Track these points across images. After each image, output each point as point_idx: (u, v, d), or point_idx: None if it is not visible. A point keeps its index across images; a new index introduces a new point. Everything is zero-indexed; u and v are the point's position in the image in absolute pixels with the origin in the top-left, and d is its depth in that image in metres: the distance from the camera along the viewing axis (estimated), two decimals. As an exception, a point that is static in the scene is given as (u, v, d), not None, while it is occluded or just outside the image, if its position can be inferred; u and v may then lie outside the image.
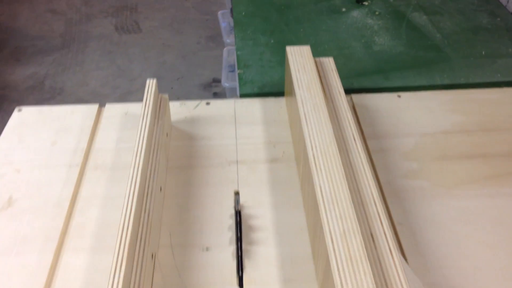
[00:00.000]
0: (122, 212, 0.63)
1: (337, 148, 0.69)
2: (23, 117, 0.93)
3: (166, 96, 0.87)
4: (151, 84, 0.84)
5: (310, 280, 0.66)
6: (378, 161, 0.84)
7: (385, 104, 0.95)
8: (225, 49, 2.08)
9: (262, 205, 0.77)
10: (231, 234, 0.72)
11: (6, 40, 3.02)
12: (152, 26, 3.10)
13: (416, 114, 0.93)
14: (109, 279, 0.56)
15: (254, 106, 0.95)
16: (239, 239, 0.71)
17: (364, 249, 0.57)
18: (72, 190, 0.79)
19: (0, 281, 0.67)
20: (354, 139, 0.74)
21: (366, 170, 0.69)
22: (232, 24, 2.05)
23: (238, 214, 0.74)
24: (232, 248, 0.71)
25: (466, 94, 0.97)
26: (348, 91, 0.97)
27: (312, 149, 0.69)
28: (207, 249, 0.71)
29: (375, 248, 0.60)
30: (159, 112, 0.83)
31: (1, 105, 2.51)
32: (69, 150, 0.86)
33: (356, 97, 0.97)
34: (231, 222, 0.74)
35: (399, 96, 0.97)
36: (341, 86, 0.83)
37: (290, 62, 0.86)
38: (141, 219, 0.65)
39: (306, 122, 0.74)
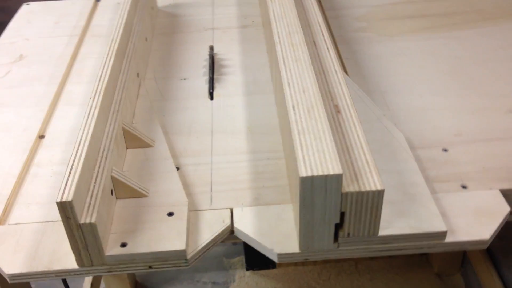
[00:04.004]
0: (109, 38, 0.77)
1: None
2: (31, 8, 1.09)
3: (151, -22, 1.02)
4: (138, -34, 0.99)
5: (268, 93, 0.80)
6: (333, 23, 0.98)
7: (343, -11, 1.09)
8: None
9: (233, 53, 0.91)
10: (205, 70, 0.87)
11: None
12: None
13: (370, -6, 1.07)
14: (96, 78, 0.68)
15: (230, -5, 1.10)
16: (211, 68, 0.85)
17: (305, 43, 0.71)
18: (73, 49, 0.94)
19: (15, 103, 0.81)
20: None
21: (316, 11, 0.83)
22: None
23: (211, 51, 0.88)
24: (206, 78, 0.85)
25: (415, -21, 1.11)
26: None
27: (269, -8, 0.84)
28: (184, 79, 0.85)
29: (318, 52, 0.74)
30: (145, -13, 0.98)
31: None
32: (70, 26, 1.01)
33: (319, -14, 1.11)
34: (206, 63, 0.88)
35: (356, -16, 1.11)
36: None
37: None
38: (128, 46, 0.80)
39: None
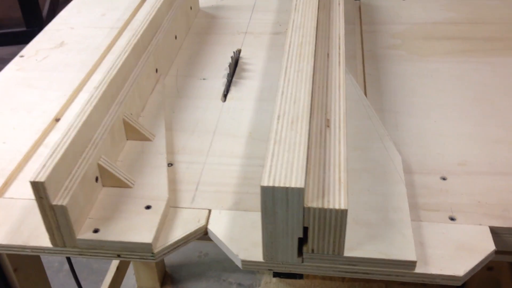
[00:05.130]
0: (131, 33, 0.80)
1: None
2: (84, -1, 1.15)
3: (194, -21, 1.05)
4: (182, -33, 1.02)
5: (281, 101, 0.80)
6: (368, 38, 0.96)
7: (388, 4, 1.07)
8: None
9: (258, 58, 0.91)
10: (226, 72, 0.88)
11: None
12: None
13: (413, 11, 1.04)
14: (106, 70, 0.71)
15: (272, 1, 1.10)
16: (232, 71, 0.86)
17: (315, 55, 0.70)
18: (110, 41, 0.98)
19: (43, 85, 0.86)
20: (339, 4, 0.87)
21: (341, 24, 0.81)
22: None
23: (236, 56, 0.90)
24: (225, 80, 0.86)
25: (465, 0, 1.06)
26: (359, -4, 1.10)
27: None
28: (204, 79, 0.87)
29: (328, 65, 0.73)
30: (186, -13, 1.01)
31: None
32: (114, 19, 1.06)
33: (364, -1, 1.09)
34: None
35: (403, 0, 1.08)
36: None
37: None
38: (151, 42, 0.82)
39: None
